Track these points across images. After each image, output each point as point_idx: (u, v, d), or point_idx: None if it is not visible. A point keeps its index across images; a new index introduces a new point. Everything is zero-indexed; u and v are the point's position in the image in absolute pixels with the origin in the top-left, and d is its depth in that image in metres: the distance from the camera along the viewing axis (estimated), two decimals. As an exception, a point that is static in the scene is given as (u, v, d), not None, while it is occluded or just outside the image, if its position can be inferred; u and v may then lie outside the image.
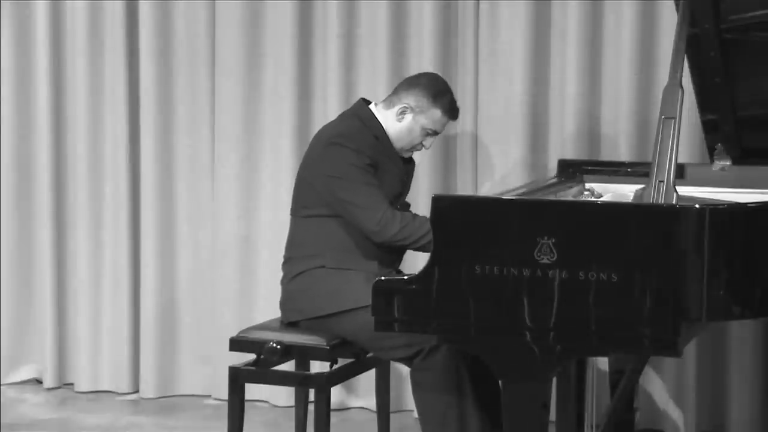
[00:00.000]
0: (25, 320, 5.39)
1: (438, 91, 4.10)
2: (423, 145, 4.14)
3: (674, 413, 4.75)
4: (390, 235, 3.93)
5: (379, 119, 4.10)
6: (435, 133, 4.13)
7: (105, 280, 5.25)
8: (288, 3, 4.94)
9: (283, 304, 4.09)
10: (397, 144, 4.11)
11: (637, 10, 4.62)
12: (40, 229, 5.30)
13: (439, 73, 4.79)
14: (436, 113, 4.08)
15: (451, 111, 4.13)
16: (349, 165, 3.96)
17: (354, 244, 3.98)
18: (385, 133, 4.09)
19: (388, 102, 4.13)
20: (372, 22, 4.89)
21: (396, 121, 4.09)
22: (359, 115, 4.11)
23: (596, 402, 4.11)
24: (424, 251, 3.91)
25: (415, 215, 3.98)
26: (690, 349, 4.62)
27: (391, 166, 4.08)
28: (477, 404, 3.82)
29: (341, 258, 3.99)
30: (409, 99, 4.09)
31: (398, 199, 4.12)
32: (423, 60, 4.80)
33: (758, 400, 4.66)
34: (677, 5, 3.89)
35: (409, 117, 4.08)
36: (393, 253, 4.05)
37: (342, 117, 4.19)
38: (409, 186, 4.25)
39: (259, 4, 5.02)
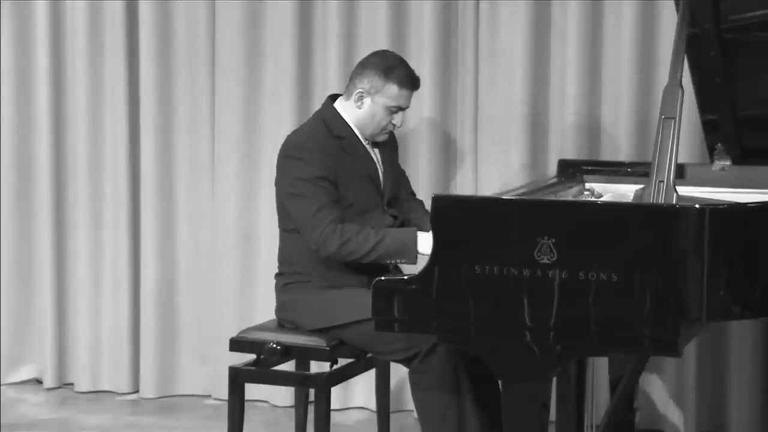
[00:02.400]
0: (25, 320, 5.39)
1: (388, 66, 3.99)
2: (393, 125, 4.03)
3: (674, 413, 4.75)
4: (329, 252, 3.84)
5: (343, 115, 4.01)
6: (400, 108, 4.01)
7: (105, 280, 5.25)
8: (288, 3, 4.94)
9: (278, 313, 4.09)
10: (366, 131, 4.02)
11: (637, 10, 4.62)
12: (40, 229, 5.29)
13: (439, 73, 4.81)
14: (392, 89, 3.97)
15: (408, 82, 3.99)
16: (298, 179, 3.88)
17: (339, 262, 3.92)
18: (351, 130, 4.01)
19: (347, 92, 4.05)
20: (372, 22, 4.89)
21: (357, 109, 4.00)
22: (324, 116, 4.03)
23: (596, 402, 4.11)
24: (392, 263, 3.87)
25: (361, 230, 3.84)
26: (690, 349, 4.62)
27: (359, 165, 3.99)
28: (476, 404, 3.81)
29: (328, 275, 3.94)
30: (363, 83, 3.99)
31: (383, 194, 4.03)
32: (423, 60, 4.80)
33: (758, 400, 4.66)
34: (677, 5, 3.89)
35: (367, 101, 3.99)
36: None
37: (310, 120, 4.12)
38: (396, 171, 4.16)
39: (259, 4, 5.01)
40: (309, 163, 3.88)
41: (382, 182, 4.07)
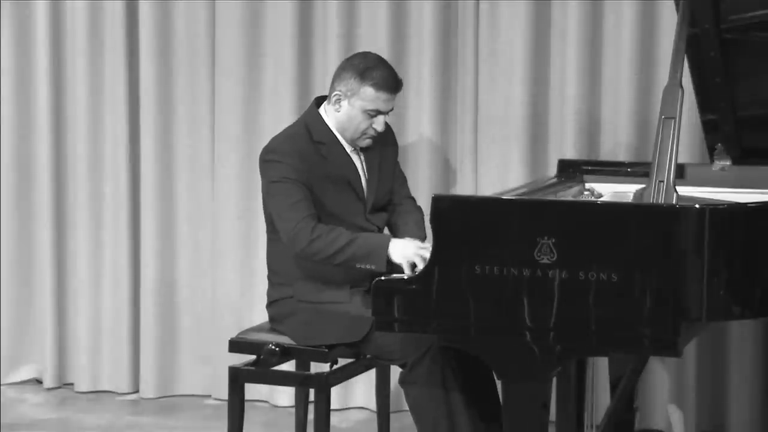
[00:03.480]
0: (25, 320, 5.39)
1: (366, 68, 3.87)
2: (374, 129, 3.92)
3: (674, 413, 4.75)
4: (299, 247, 3.78)
5: (326, 119, 3.95)
6: (378, 112, 3.90)
7: (105, 280, 5.25)
8: (288, 3, 4.94)
9: (271, 324, 4.07)
10: (346, 135, 3.93)
11: (637, 10, 4.62)
12: (40, 229, 5.29)
13: (439, 73, 4.80)
14: (368, 91, 3.86)
15: (386, 84, 3.87)
16: (273, 182, 3.85)
17: (320, 272, 3.87)
18: (334, 135, 3.94)
19: (329, 95, 3.98)
20: (372, 22, 4.89)
21: (335, 112, 3.93)
22: (306, 121, 3.98)
23: (596, 402, 4.11)
24: (364, 267, 3.74)
25: (334, 228, 3.79)
26: (690, 349, 4.62)
27: (337, 172, 3.91)
28: (469, 406, 3.76)
29: (309, 289, 3.92)
30: (340, 85, 3.91)
31: (365, 201, 3.97)
32: (423, 60, 4.80)
33: (758, 400, 4.66)
34: (677, 5, 3.89)
35: (344, 104, 3.90)
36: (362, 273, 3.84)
37: (293, 124, 4.08)
38: (389, 174, 4.09)
39: (259, 4, 5.01)
40: (283, 164, 3.84)
41: (364, 189, 4.00)
